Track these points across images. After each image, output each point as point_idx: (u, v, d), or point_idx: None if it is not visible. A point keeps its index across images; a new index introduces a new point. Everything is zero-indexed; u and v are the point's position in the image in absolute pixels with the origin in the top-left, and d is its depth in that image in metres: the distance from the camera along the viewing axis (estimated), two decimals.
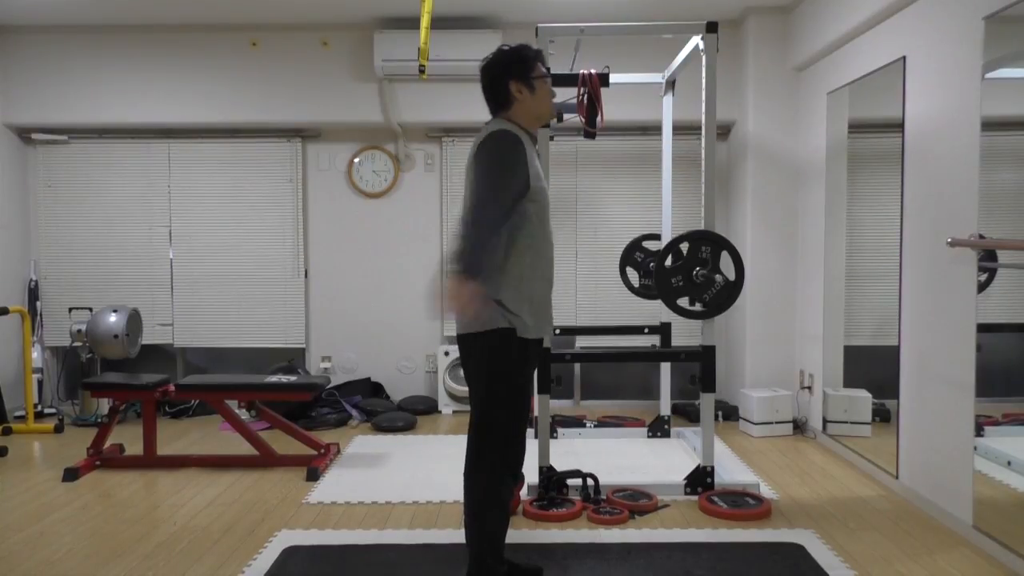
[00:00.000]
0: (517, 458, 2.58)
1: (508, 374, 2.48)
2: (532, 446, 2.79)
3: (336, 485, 3.91)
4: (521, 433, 2.56)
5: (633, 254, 4.84)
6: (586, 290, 5.68)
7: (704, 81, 3.67)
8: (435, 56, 4.99)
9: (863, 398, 4.38)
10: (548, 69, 2.63)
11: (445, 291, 2.36)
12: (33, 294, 5.67)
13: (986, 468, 3.09)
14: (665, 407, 4.83)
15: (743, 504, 3.48)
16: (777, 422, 4.88)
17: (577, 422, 5.01)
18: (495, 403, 2.48)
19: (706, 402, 3.72)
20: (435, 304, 2.47)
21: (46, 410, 5.41)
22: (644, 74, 4.68)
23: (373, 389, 5.69)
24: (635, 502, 3.52)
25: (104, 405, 5.20)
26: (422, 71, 4.03)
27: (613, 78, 4.13)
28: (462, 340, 2.52)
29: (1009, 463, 3.05)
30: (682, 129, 5.19)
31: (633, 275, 4.86)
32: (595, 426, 4.99)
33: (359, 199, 5.75)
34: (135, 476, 4.10)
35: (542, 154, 3.48)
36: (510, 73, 2.52)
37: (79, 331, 5.22)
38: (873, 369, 4.35)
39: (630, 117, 5.35)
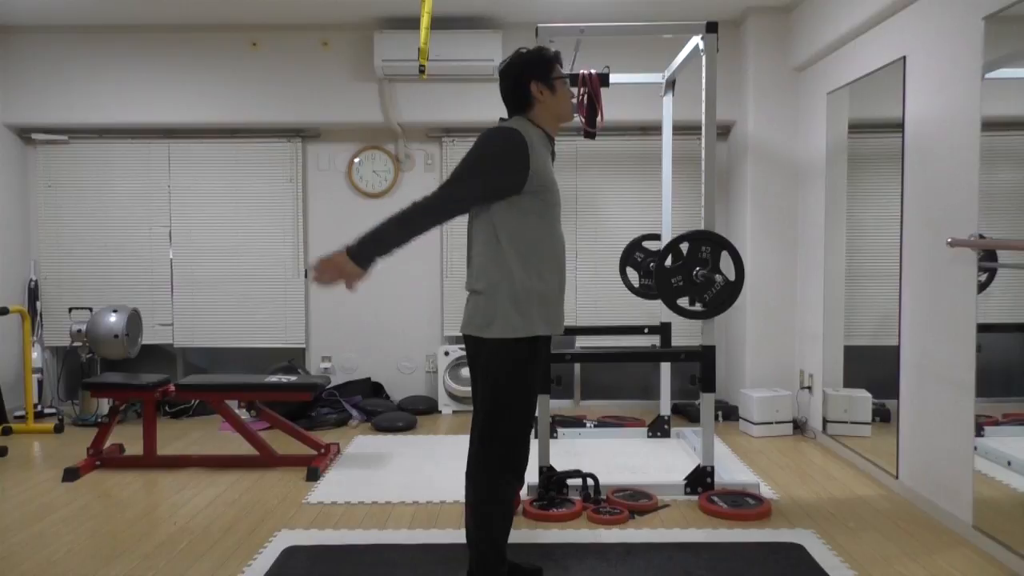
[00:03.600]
0: (521, 459, 2.55)
1: (515, 378, 2.47)
2: (532, 446, 2.78)
3: (336, 485, 3.91)
4: (526, 434, 2.54)
5: (633, 254, 4.84)
6: (586, 290, 5.68)
7: (704, 81, 3.67)
8: (435, 56, 4.99)
9: (863, 398, 4.38)
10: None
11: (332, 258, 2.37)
12: (33, 294, 5.67)
13: (986, 468, 3.09)
14: (665, 407, 4.83)
15: (743, 504, 3.48)
16: (777, 422, 4.88)
17: (577, 422, 5.01)
18: (501, 405, 2.47)
19: (706, 402, 3.72)
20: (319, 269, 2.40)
21: (46, 410, 5.41)
22: (644, 74, 4.68)
23: (373, 389, 5.69)
24: (635, 502, 3.52)
25: (104, 405, 5.20)
26: (422, 71, 4.03)
27: (613, 78, 4.13)
28: (469, 341, 2.52)
29: (1009, 463, 3.05)
30: (682, 129, 5.19)
31: (633, 275, 4.85)
32: (595, 426, 4.99)
33: (359, 199, 5.75)
34: (135, 476, 4.10)
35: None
36: (531, 74, 2.55)
37: (79, 331, 5.21)
38: (873, 369, 4.35)
39: (630, 117, 5.35)
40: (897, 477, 3.74)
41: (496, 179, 2.43)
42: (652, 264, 4.65)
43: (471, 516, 2.51)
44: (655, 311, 5.01)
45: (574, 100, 3.97)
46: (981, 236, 3.06)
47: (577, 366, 5.78)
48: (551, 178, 2.53)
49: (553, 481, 3.60)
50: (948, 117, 3.30)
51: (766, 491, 3.75)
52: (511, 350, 2.44)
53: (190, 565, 2.97)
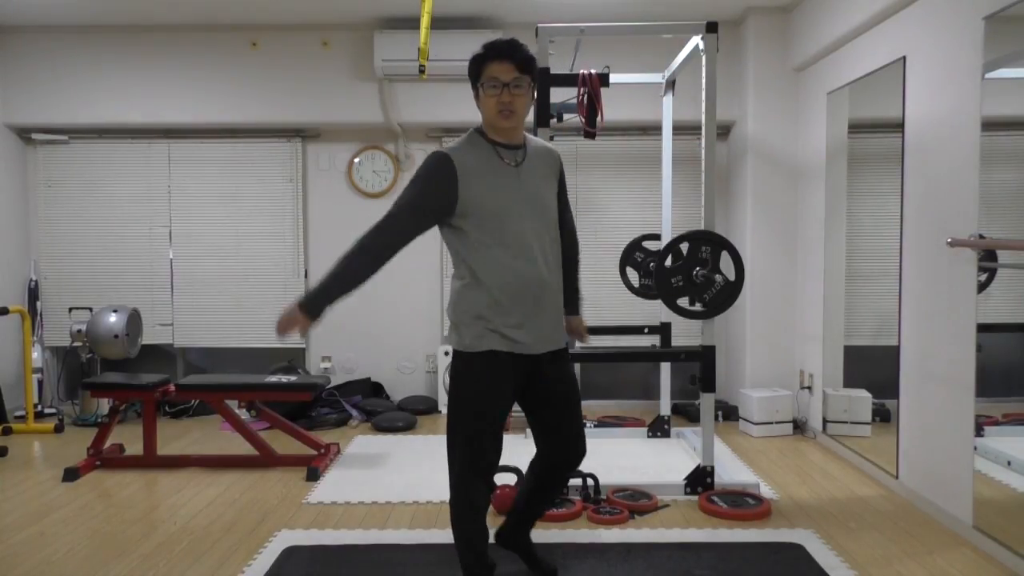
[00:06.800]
0: (483, 462, 2.50)
1: (465, 388, 2.48)
2: (531, 446, 2.79)
3: (336, 485, 3.91)
4: (484, 440, 2.49)
5: (633, 254, 4.84)
6: (586, 290, 5.63)
7: (704, 81, 3.67)
8: (435, 56, 4.99)
9: (863, 398, 4.38)
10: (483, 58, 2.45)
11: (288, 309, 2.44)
12: (33, 294, 5.67)
13: (986, 468, 3.09)
14: (665, 407, 4.83)
15: (743, 504, 3.48)
16: (777, 422, 4.88)
17: None
18: (455, 411, 2.50)
19: (706, 402, 3.72)
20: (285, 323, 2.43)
21: (46, 410, 5.40)
22: (644, 74, 4.68)
23: (373, 389, 5.69)
24: (635, 502, 3.52)
25: (104, 405, 5.20)
26: (422, 71, 4.03)
27: (613, 78, 4.13)
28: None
29: (1009, 463, 3.05)
30: (682, 129, 5.18)
31: (633, 275, 4.85)
32: (595, 426, 4.99)
33: (359, 199, 5.75)
34: (135, 476, 4.10)
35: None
36: (471, 79, 2.47)
37: (79, 331, 5.22)
38: (873, 369, 4.35)
39: (630, 117, 5.35)
40: (897, 477, 3.74)
41: (423, 206, 2.43)
42: (652, 264, 4.65)
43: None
44: (655, 311, 5.00)
45: (573, 100, 4.00)
46: (981, 236, 3.06)
47: (577, 366, 5.77)
48: (491, 201, 2.40)
49: None
50: (948, 117, 3.30)
51: (766, 491, 3.75)
52: (465, 362, 2.47)
53: (190, 565, 2.97)
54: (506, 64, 2.38)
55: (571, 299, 2.80)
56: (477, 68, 2.42)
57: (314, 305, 2.42)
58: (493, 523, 2.74)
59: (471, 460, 2.49)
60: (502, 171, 2.45)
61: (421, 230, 2.49)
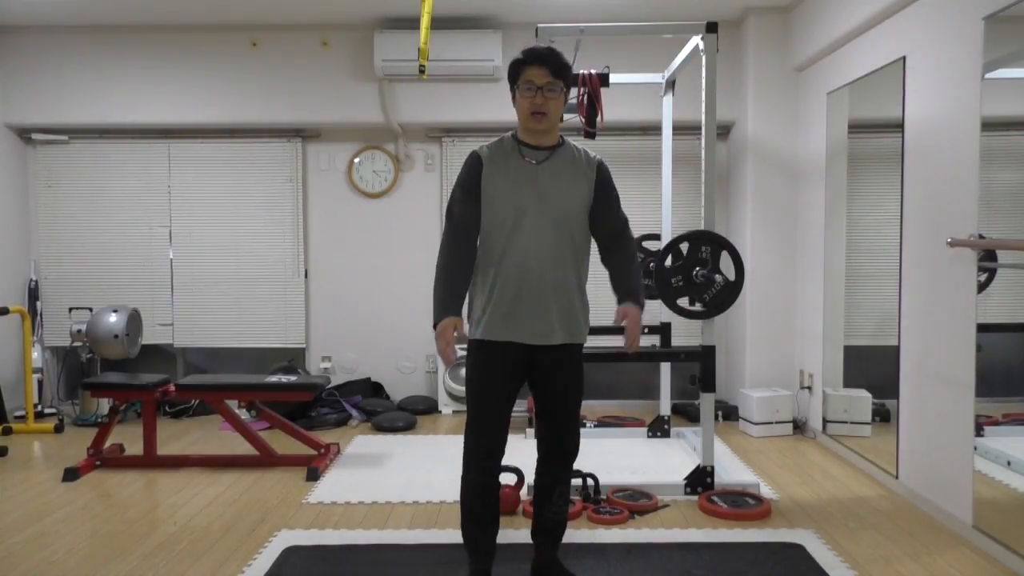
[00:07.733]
0: (478, 444, 2.59)
1: (467, 372, 2.65)
2: (532, 446, 2.79)
3: (336, 485, 3.91)
4: (483, 424, 2.59)
5: None
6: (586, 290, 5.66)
7: (704, 81, 3.67)
8: (435, 56, 4.99)
9: (863, 398, 4.38)
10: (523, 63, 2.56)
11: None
12: (33, 294, 5.67)
13: (986, 468, 3.09)
14: (665, 407, 4.83)
15: (743, 504, 3.48)
16: (777, 422, 4.88)
17: None
18: (467, 401, 2.64)
19: (706, 402, 3.72)
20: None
21: (46, 410, 5.41)
22: (644, 74, 4.68)
23: (373, 389, 5.69)
24: (635, 502, 3.52)
25: (104, 405, 5.20)
26: (422, 71, 4.03)
27: (613, 78, 4.13)
28: None
29: (1009, 463, 3.05)
30: (682, 129, 5.18)
31: None
32: (595, 426, 4.99)
33: (359, 199, 5.75)
34: (135, 476, 4.10)
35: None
36: (510, 81, 2.58)
37: (79, 331, 5.21)
38: (873, 369, 4.35)
39: (630, 117, 5.35)
40: (897, 477, 3.74)
41: (457, 197, 2.58)
42: (652, 264, 4.64)
43: None
44: (655, 311, 5.00)
45: (573, 100, 4.00)
46: (981, 236, 3.06)
47: None
48: (502, 195, 2.53)
49: None
50: (948, 117, 3.30)
51: (766, 491, 3.75)
52: (470, 350, 2.64)
53: (190, 565, 2.97)
54: (542, 69, 2.51)
55: (619, 287, 3.04)
56: (515, 72, 2.55)
57: (436, 318, 2.56)
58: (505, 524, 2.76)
59: (472, 443, 2.59)
60: (519, 167, 2.56)
61: (469, 217, 2.58)
